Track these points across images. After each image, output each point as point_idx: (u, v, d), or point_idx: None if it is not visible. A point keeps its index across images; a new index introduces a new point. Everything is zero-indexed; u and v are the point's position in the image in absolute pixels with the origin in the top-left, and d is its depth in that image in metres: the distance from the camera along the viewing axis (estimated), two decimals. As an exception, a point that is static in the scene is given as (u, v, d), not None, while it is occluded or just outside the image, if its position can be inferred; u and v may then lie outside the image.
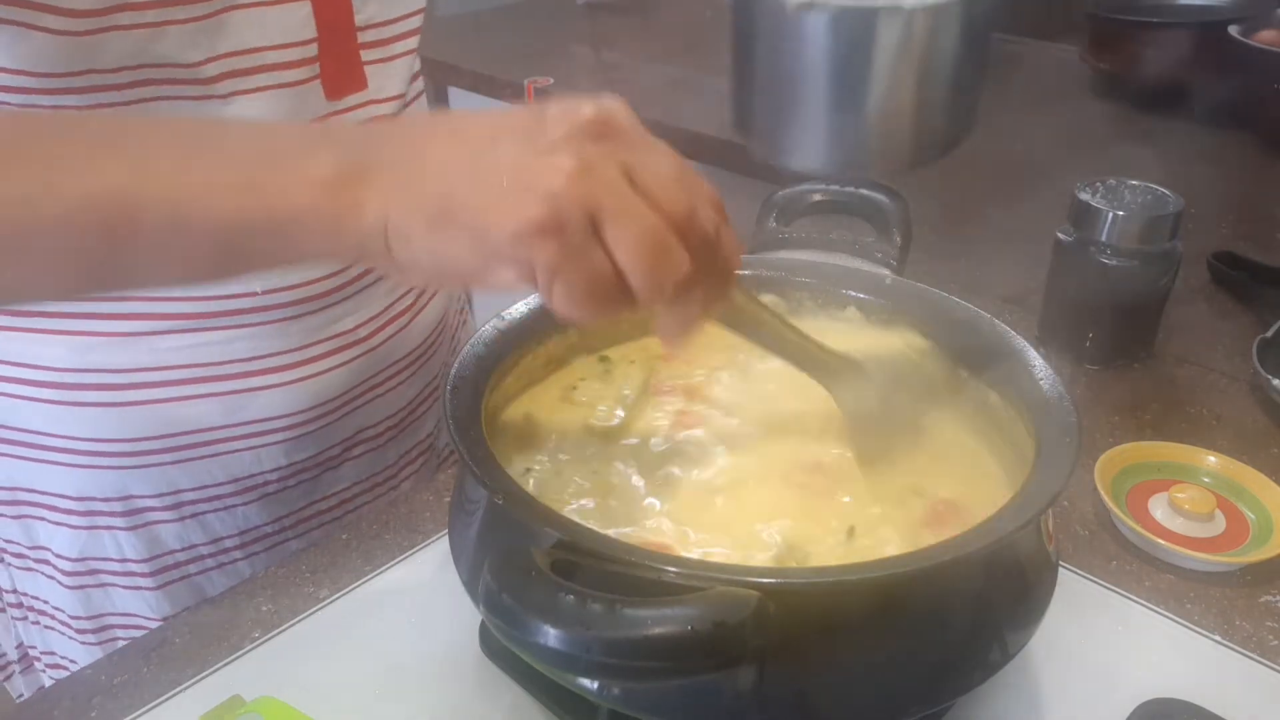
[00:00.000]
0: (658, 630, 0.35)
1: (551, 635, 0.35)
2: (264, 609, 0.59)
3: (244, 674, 0.54)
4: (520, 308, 0.57)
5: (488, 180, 0.39)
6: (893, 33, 0.74)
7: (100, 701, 0.53)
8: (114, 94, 0.56)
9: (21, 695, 0.81)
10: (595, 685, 0.42)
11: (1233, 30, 1.31)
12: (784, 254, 0.72)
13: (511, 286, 0.39)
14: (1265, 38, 1.33)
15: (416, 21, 0.69)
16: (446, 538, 0.52)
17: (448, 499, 0.66)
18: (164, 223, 0.41)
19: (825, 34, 0.73)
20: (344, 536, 0.65)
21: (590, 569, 0.39)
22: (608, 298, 0.39)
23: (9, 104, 0.54)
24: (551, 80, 1.54)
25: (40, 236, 0.42)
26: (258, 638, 0.57)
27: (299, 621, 0.58)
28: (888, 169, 0.73)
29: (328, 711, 0.51)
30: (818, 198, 0.75)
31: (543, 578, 0.37)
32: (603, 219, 0.38)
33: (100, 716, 0.53)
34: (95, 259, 0.43)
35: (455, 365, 0.52)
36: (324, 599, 0.59)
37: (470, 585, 0.48)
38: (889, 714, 0.44)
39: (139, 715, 0.52)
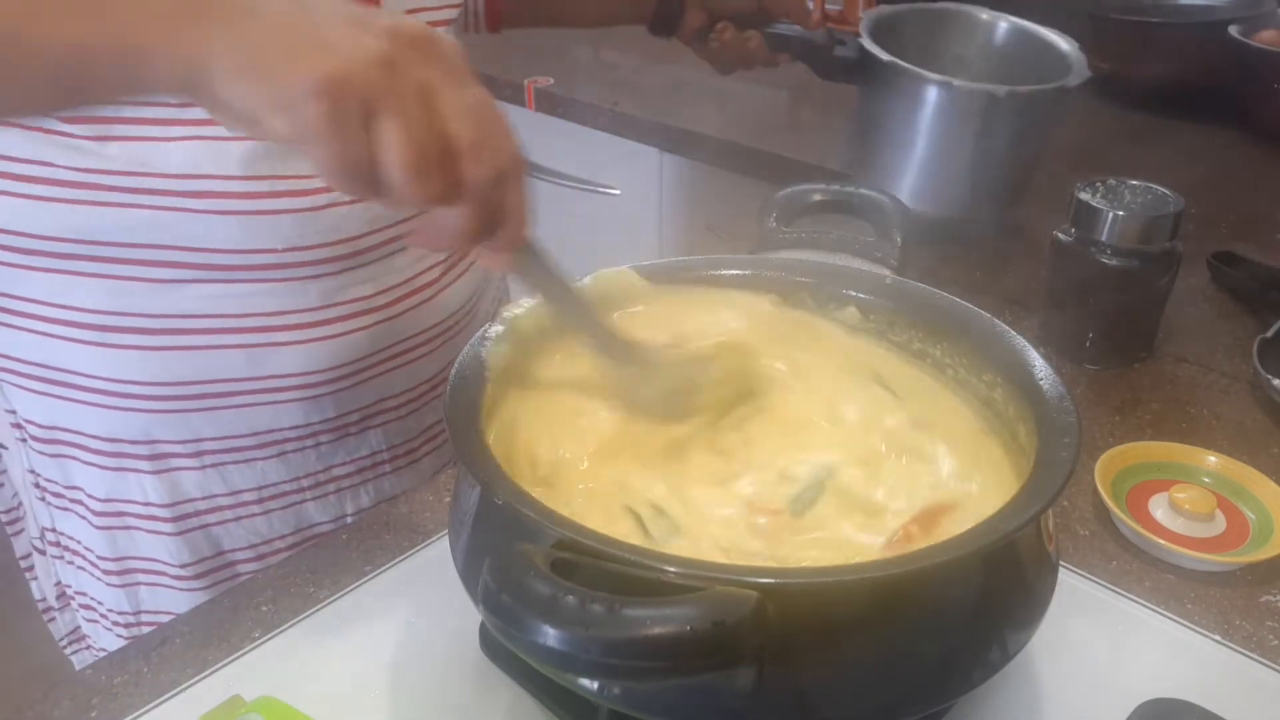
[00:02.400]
0: (657, 630, 0.35)
1: (551, 635, 0.35)
2: (264, 609, 0.59)
3: (244, 674, 0.54)
4: (527, 305, 0.58)
5: (303, 37, 0.41)
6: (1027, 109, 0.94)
7: (100, 702, 0.53)
8: None
9: (63, 639, 0.84)
10: (595, 685, 0.42)
11: (1233, 30, 1.31)
12: (784, 254, 0.73)
13: (285, 140, 0.41)
14: (1265, 38, 1.32)
15: (446, 15, 0.71)
16: (446, 538, 0.52)
17: (448, 499, 0.67)
18: (5, 42, 0.44)
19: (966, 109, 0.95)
20: (344, 536, 0.65)
21: (589, 568, 0.39)
22: (358, 179, 0.41)
23: None
24: (552, 80, 1.54)
25: None
26: (258, 638, 0.57)
27: (299, 621, 0.58)
28: (979, 214, 0.86)
29: (328, 711, 0.51)
30: (818, 198, 0.75)
31: (542, 577, 0.36)
32: (378, 109, 0.40)
33: (100, 716, 0.53)
34: None
35: (456, 365, 0.52)
36: (324, 599, 0.59)
37: (470, 585, 0.48)
38: (888, 714, 0.44)
39: (139, 715, 0.52)
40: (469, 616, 0.55)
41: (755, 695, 0.39)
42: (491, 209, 0.44)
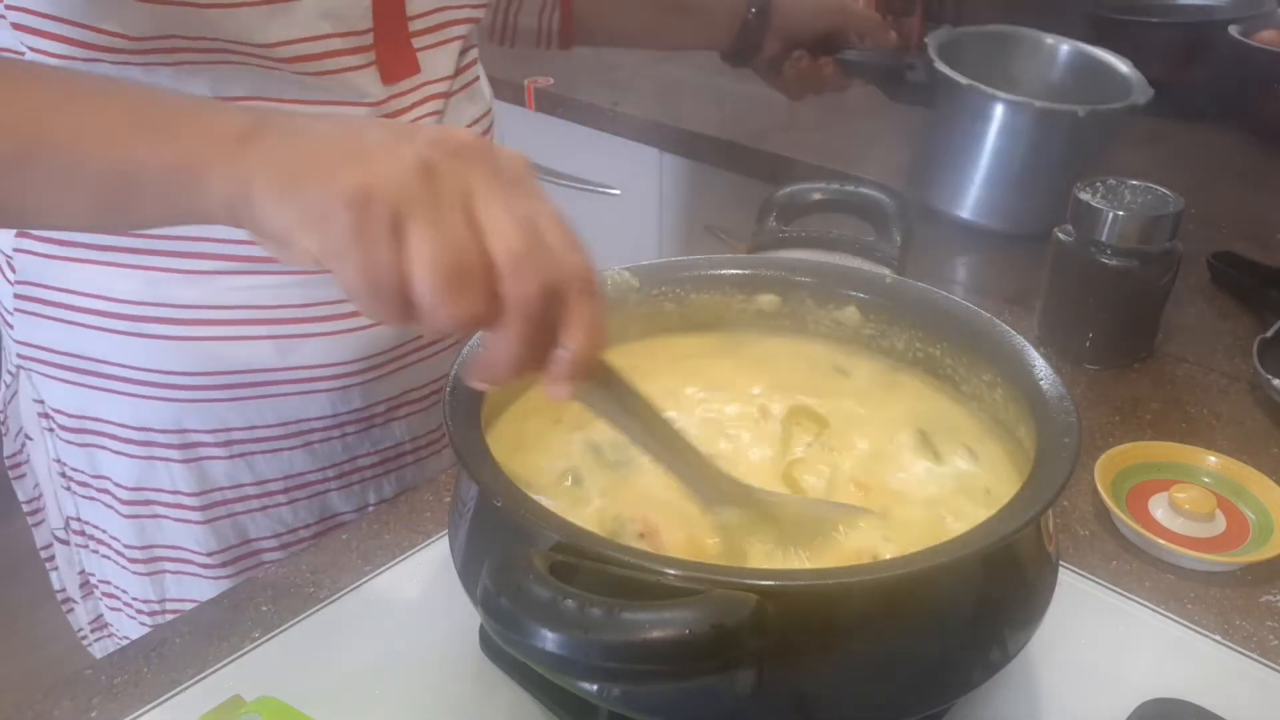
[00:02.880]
0: (656, 634, 0.35)
1: (550, 639, 0.35)
2: (264, 609, 0.59)
3: (244, 674, 0.54)
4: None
5: (341, 153, 0.39)
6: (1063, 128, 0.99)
7: (100, 702, 0.53)
8: (199, 55, 0.60)
9: (82, 629, 0.85)
10: (595, 687, 0.42)
11: (1233, 30, 1.31)
12: (784, 253, 0.73)
13: (314, 260, 0.39)
14: (1265, 38, 1.32)
15: (467, 13, 0.72)
16: (446, 538, 0.52)
17: (448, 499, 0.67)
18: (65, 155, 0.45)
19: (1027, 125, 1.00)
20: (344, 537, 0.65)
21: (589, 571, 0.39)
22: (386, 298, 0.38)
23: (105, 62, 0.58)
24: (552, 80, 1.54)
25: None
26: (258, 638, 0.57)
27: (299, 621, 0.58)
28: (1047, 228, 0.86)
29: (328, 711, 0.51)
30: (818, 196, 0.75)
31: (541, 580, 0.36)
32: (408, 220, 0.37)
33: (100, 716, 0.53)
34: None
35: (455, 366, 0.51)
36: (324, 599, 0.59)
37: (469, 586, 0.48)
38: (888, 715, 0.44)
39: (139, 715, 0.52)
40: (469, 616, 0.55)
41: (755, 697, 0.39)
42: (543, 331, 0.39)
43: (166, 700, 0.53)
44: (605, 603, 0.35)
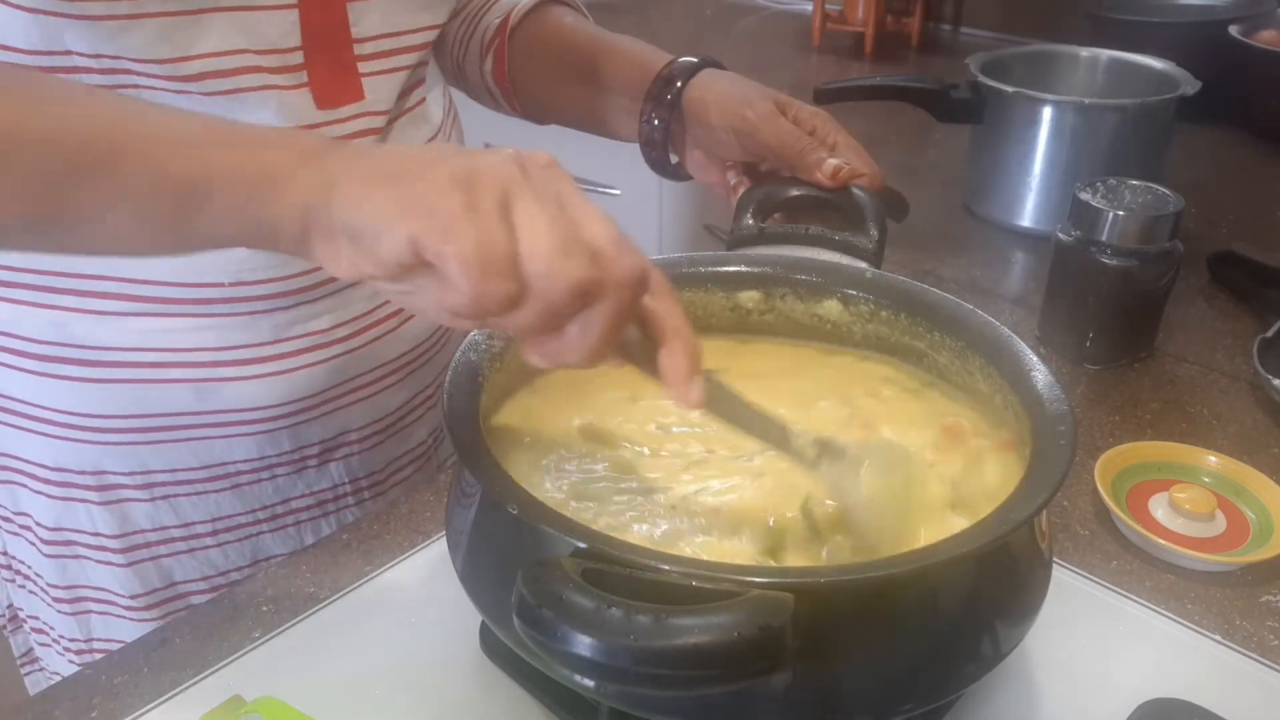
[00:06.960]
0: (705, 638, 0.35)
1: (597, 648, 0.35)
2: (264, 609, 0.59)
3: (244, 674, 0.54)
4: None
5: (427, 155, 0.42)
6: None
7: (100, 702, 0.53)
8: (101, 76, 0.57)
9: (19, 657, 0.83)
10: (593, 684, 0.42)
11: (1233, 30, 1.31)
12: (761, 250, 0.72)
13: (403, 255, 0.40)
14: (1265, 38, 1.33)
15: (422, 37, 0.69)
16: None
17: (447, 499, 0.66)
18: (141, 165, 0.45)
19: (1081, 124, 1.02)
20: (344, 537, 0.65)
21: (616, 576, 0.38)
22: (497, 273, 0.39)
23: None
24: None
25: (18, 149, 0.44)
26: (258, 638, 0.57)
27: (299, 621, 0.58)
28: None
29: (328, 711, 0.51)
30: (794, 192, 0.75)
31: (581, 590, 0.36)
32: (514, 197, 0.40)
33: (100, 716, 0.53)
34: (61, 184, 0.45)
35: (450, 374, 0.51)
36: (324, 599, 0.59)
37: (470, 587, 0.48)
38: (891, 709, 0.44)
39: (139, 715, 0.52)
40: (469, 616, 0.55)
41: (784, 695, 0.38)
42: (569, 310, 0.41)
43: (166, 700, 0.53)
44: (651, 609, 0.35)
